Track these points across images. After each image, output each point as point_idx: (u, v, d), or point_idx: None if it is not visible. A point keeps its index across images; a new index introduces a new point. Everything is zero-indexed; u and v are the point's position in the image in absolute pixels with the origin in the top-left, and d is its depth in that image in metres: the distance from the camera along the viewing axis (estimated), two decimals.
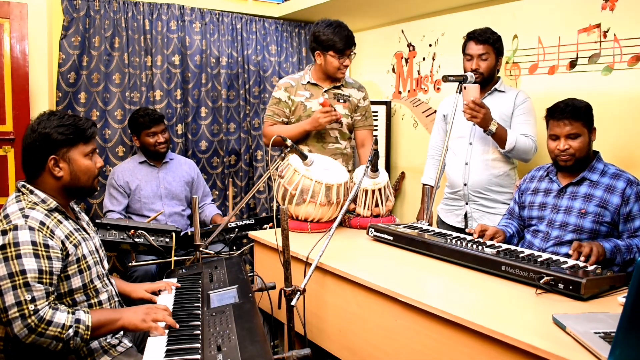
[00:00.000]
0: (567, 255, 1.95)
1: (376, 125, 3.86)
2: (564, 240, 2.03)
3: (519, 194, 2.28)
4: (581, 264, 1.71)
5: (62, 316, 1.52)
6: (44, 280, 1.52)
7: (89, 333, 1.55)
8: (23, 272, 1.49)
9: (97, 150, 1.78)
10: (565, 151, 2.00)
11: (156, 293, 1.95)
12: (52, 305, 1.54)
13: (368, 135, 2.91)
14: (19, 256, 1.50)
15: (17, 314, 1.47)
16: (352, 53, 2.74)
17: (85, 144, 1.69)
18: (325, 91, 2.79)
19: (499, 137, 2.41)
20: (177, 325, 1.58)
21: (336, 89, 2.82)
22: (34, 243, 1.52)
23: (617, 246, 1.88)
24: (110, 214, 2.97)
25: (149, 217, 2.98)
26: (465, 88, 2.36)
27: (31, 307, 1.48)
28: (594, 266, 1.68)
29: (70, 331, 1.52)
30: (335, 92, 2.82)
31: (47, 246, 1.54)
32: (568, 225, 2.03)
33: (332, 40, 2.67)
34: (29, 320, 1.47)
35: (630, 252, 1.89)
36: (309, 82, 2.82)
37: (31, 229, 1.53)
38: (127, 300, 1.99)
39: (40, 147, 1.63)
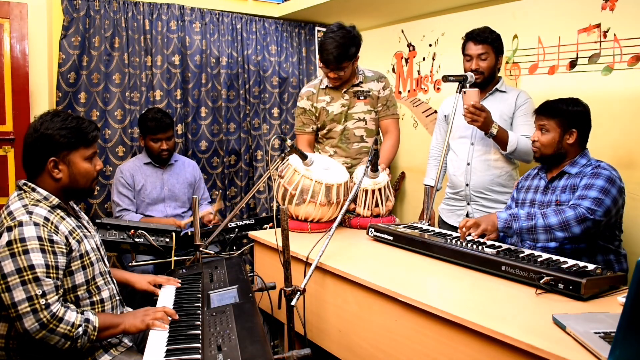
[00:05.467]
0: (557, 250, 2.02)
1: None
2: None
3: (516, 191, 2.31)
4: (581, 264, 1.71)
5: (72, 315, 1.54)
6: (52, 275, 1.53)
7: (96, 334, 1.58)
8: (31, 267, 1.50)
9: (97, 152, 1.79)
10: (534, 142, 2.16)
11: (157, 286, 1.97)
12: (62, 303, 1.55)
13: (392, 123, 2.91)
14: (26, 252, 1.51)
15: (29, 309, 1.48)
16: (339, 69, 2.69)
17: (86, 148, 1.69)
18: (345, 92, 2.80)
19: (500, 140, 2.42)
20: (177, 316, 1.62)
21: (355, 86, 2.82)
22: (39, 238, 1.53)
23: (514, 215, 1.96)
24: (126, 214, 2.95)
25: (151, 216, 3.00)
26: (465, 92, 2.36)
27: (42, 301, 1.49)
28: (594, 266, 1.68)
29: (80, 330, 1.54)
30: (355, 89, 2.83)
31: (52, 241, 1.55)
32: None
33: (320, 49, 2.70)
34: (41, 315, 1.48)
35: (531, 218, 1.94)
36: (327, 86, 2.82)
37: (36, 224, 1.54)
38: (127, 299, 1.99)
39: (41, 148, 1.63)
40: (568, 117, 2.07)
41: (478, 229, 1.98)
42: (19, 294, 1.48)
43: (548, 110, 2.11)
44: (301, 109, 2.87)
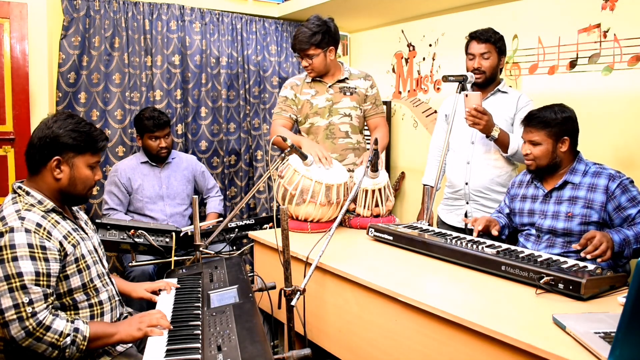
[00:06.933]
0: (562, 254, 1.99)
1: None
2: (556, 243, 2.07)
3: (509, 198, 2.31)
4: (581, 264, 1.71)
5: (60, 323, 1.52)
6: (42, 283, 1.52)
7: (86, 344, 1.55)
8: (20, 274, 1.49)
9: (100, 163, 1.79)
10: (527, 155, 2.13)
11: (156, 293, 1.95)
12: (52, 310, 1.54)
13: (381, 121, 2.92)
14: (15, 259, 1.49)
15: (15, 316, 1.47)
16: (306, 56, 2.72)
17: (92, 155, 1.70)
18: (329, 86, 2.80)
19: (501, 142, 2.43)
20: (171, 327, 1.59)
21: (341, 82, 2.83)
22: (30, 245, 1.52)
23: (626, 238, 1.87)
24: (113, 214, 2.95)
25: (150, 216, 3.00)
26: (467, 95, 2.37)
27: (29, 309, 1.48)
28: (594, 266, 1.68)
29: (68, 339, 1.52)
30: (341, 85, 2.83)
31: (44, 248, 1.54)
32: (557, 230, 2.06)
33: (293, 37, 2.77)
34: (27, 323, 1.47)
35: (639, 241, 1.88)
36: (313, 80, 2.83)
37: (27, 231, 1.53)
38: (127, 300, 1.99)
39: (48, 145, 1.63)
40: (557, 125, 2.05)
41: (605, 254, 1.79)
42: (6, 301, 1.47)
43: (536, 122, 2.08)
44: (283, 97, 2.88)
